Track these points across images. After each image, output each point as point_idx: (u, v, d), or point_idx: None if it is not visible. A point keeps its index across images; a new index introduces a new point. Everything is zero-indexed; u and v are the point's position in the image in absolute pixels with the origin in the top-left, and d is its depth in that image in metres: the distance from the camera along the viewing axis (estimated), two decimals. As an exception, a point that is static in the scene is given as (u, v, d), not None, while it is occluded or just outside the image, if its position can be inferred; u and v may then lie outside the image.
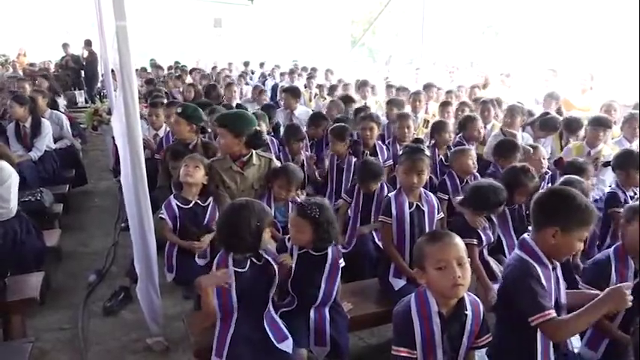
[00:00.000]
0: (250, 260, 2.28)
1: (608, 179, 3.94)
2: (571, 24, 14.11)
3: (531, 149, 3.94)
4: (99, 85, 12.19)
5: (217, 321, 2.25)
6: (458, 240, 1.92)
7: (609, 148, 4.46)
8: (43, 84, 8.02)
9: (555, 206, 2.00)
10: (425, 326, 1.89)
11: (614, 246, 2.34)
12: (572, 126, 4.92)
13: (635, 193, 3.42)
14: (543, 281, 1.95)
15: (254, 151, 3.47)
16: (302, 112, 6.54)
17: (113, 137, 3.12)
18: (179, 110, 4.00)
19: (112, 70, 4.58)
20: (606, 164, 3.63)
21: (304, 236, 2.39)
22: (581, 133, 4.87)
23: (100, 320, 3.30)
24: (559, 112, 6.07)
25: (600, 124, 4.39)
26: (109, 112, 6.20)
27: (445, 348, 1.90)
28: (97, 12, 4.86)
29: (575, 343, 2.33)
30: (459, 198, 3.11)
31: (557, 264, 2.08)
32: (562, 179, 3.16)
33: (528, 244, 2.04)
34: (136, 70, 11.42)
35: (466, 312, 1.93)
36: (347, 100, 6.36)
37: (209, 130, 4.62)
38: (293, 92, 6.62)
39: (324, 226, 2.38)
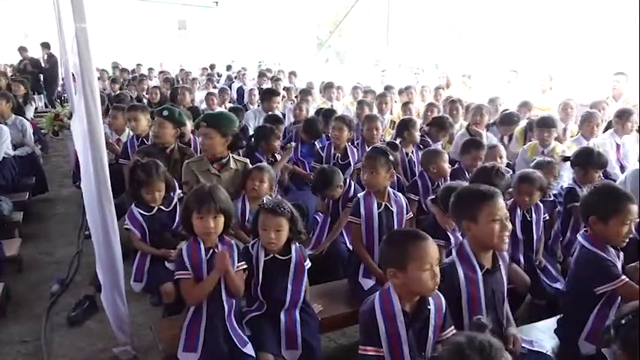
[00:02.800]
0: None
1: (566, 175, 4.07)
2: (531, 26, 14.53)
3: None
4: (59, 89, 11.86)
5: (188, 315, 2.27)
6: (432, 240, 1.96)
7: (564, 146, 4.63)
8: (19, 90, 7.74)
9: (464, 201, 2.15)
10: (389, 324, 1.92)
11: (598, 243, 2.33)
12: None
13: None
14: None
15: (231, 155, 3.46)
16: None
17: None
18: (165, 113, 3.90)
19: (73, 74, 4.46)
20: (565, 159, 3.74)
21: (283, 234, 2.38)
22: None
23: (65, 331, 3.20)
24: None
25: (545, 124, 4.55)
26: (71, 117, 6.04)
27: (411, 344, 1.92)
28: (56, 14, 4.74)
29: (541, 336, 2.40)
30: (431, 197, 3.16)
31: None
32: (518, 173, 3.24)
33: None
34: (99, 71, 11.26)
35: (429, 307, 1.96)
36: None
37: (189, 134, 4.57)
38: (273, 93, 6.64)
39: (297, 222, 2.42)
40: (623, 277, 2.22)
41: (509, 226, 2.10)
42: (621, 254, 2.35)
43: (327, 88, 7.90)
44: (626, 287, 2.20)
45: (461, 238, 2.96)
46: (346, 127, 4.47)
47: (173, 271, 2.76)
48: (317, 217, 3.79)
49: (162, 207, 3.13)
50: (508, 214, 2.14)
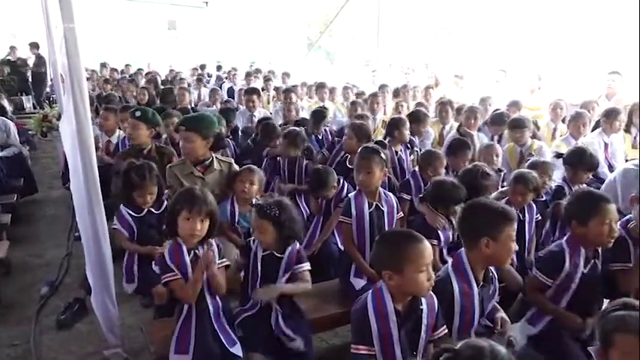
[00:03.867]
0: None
1: (556, 174, 4.10)
2: (520, 26, 14.62)
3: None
4: (47, 89, 11.75)
5: (180, 317, 2.27)
6: (427, 241, 1.97)
7: (544, 143, 4.67)
8: None
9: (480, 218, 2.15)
10: (382, 323, 1.92)
11: (565, 237, 2.47)
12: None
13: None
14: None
15: (214, 156, 3.44)
16: (261, 114, 6.53)
17: (63, 143, 3.02)
18: (138, 114, 3.87)
19: (62, 74, 4.42)
20: (559, 156, 3.77)
21: (267, 237, 2.39)
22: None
23: (54, 334, 3.17)
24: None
25: (515, 126, 4.62)
26: (59, 118, 5.99)
27: (403, 344, 1.93)
28: (44, 14, 4.69)
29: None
30: (420, 196, 3.17)
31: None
32: (514, 173, 3.26)
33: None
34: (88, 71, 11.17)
35: (421, 307, 1.97)
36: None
37: (164, 134, 4.53)
38: (254, 93, 6.63)
39: (287, 224, 2.39)
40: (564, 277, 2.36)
41: (516, 246, 2.17)
42: (598, 262, 2.42)
43: (320, 88, 7.91)
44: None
45: (451, 237, 3.00)
46: (356, 136, 4.19)
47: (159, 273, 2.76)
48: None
49: (152, 209, 3.12)
50: None
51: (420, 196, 3.19)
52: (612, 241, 2.36)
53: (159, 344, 2.38)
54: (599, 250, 2.43)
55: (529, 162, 3.66)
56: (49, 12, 4.59)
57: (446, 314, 2.07)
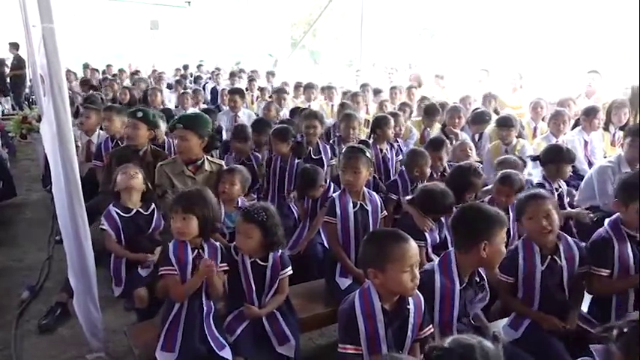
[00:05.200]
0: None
1: (535, 172, 4.17)
2: (502, 27, 14.80)
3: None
4: (27, 90, 11.55)
5: (169, 314, 2.27)
6: (414, 241, 1.97)
7: (534, 143, 4.74)
8: None
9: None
10: (369, 323, 1.93)
11: (521, 238, 2.54)
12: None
13: (560, 187, 3.64)
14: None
15: (206, 157, 3.43)
16: (245, 114, 6.51)
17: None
18: (140, 115, 3.80)
19: (41, 75, 4.35)
20: (535, 158, 3.83)
21: (252, 242, 2.36)
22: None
23: (36, 339, 3.12)
24: (496, 111, 6.39)
25: (503, 124, 4.68)
26: (39, 119, 5.89)
27: (390, 343, 1.94)
28: (22, 13, 4.60)
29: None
30: (408, 197, 3.17)
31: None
32: (500, 173, 3.28)
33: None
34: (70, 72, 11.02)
35: (408, 306, 1.98)
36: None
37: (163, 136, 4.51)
38: (238, 93, 6.59)
39: (273, 230, 2.38)
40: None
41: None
42: (558, 259, 2.44)
43: (307, 88, 7.91)
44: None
45: (438, 238, 3.02)
46: (318, 122, 4.50)
47: (146, 276, 2.73)
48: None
49: (140, 210, 3.09)
50: None
51: (408, 198, 3.19)
52: (549, 236, 2.40)
53: (143, 347, 2.35)
54: (560, 247, 2.44)
55: (499, 160, 3.75)
56: (27, 11, 4.51)
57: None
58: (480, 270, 2.29)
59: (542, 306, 2.42)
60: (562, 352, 2.23)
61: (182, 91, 8.06)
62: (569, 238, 2.51)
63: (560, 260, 2.43)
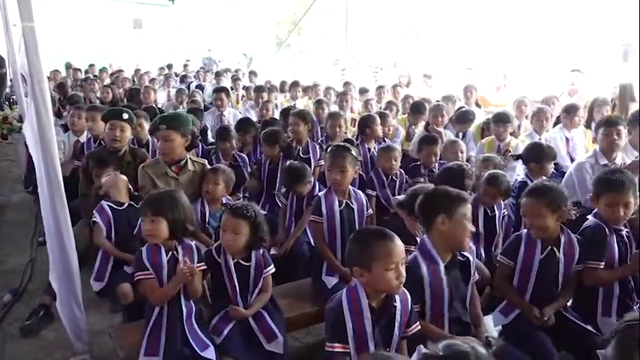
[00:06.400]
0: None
1: (518, 169, 4.22)
2: (486, 26, 14.92)
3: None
4: (7, 90, 11.35)
5: (150, 318, 2.24)
6: (399, 240, 1.98)
7: (519, 140, 4.78)
8: None
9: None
10: (357, 321, 1.94)
11: (527, 229, 2.57)
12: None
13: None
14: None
15: (189, 156, 3.40)
16: (231, 114, 6.50)
17: (26, 145, 2.93)
18: (126, 116, 3.75)
19: (23, 75, 4.29)
20: (517, 158, 3.87)
21: (241, 238, 2.35)
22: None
23: (18, 342, 3.07)
24: (477, 104, 6.46)
25: (500, 120, 4.73)
26: (21, 120, 5.80)
27: (377, 340, 1.95)
28: (2, 12, 4.53)
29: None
30: (398, 200, 3.16)
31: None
32: (487, 174, 3.30)
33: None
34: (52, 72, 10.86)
35: (395, 304, 1.99)
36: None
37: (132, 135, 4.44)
38: (223, 92, 6.59)
39: (261, 226, 2.39)
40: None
41: (472, 227, 2.26)
42: (557, 251, 2.48)
43: (293, 87, 7.90)
44: None
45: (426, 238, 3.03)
46: (302, 121, 4.48)
47: (129, 273, 2.71)
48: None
49: (132, 203, 3.07)
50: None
51: (398, 200, 3.19)
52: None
53: (128, 349, 2.33)
54: (562, 240, 2.48)
55: (481, 158, 3.81)
56: (7, 10, 4.44)
57: (418, 298, 2.15)
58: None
59: (534, 297, 2.48)
60: (547, 343, 2.28)
61: (170, 88, 7.99)
62: (572, 234, 2.54)
63: (559, 252, 2.48)
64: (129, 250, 2.91)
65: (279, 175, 4.10)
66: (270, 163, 4.18)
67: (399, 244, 1.94)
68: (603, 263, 2.53)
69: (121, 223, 3.00)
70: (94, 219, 2.95)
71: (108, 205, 3.00)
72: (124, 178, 3.14)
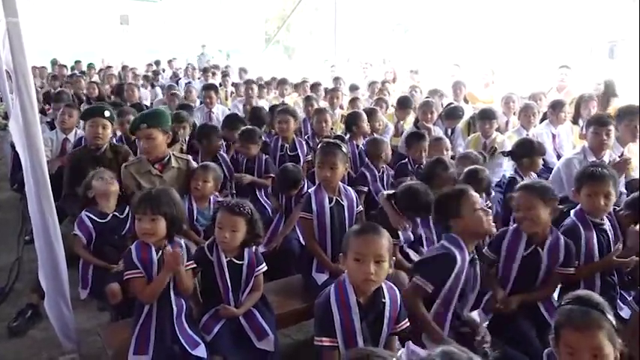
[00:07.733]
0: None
1: (505, 165, 4.25)
2: (473, 22, 15.00)
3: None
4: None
5: (140, 317, 2.23)
6: (384, 238, 1.98)
7: (505, 136, 4.82)
8: None
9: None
10: (344, 315, 1.96)
11: (514, 225, 2.61)
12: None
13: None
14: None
15: (172, 153, 3.37)
16: (220, 110, 6.47)
17: (12, 144, 2.89)
18: (107, 114, 3.73)
19: (7, 71, 4.22)
20: (508, 154, 3.90)
21: (238, 235, 2.35)
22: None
23: (6, 342, 3.04)
24: (466, 99, 6.50)
25: (486, 116, 4.75)
26: (6, 117, 5.73)
27: (365, 335, 1.96)
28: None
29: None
30: (385, 194, 3.16)
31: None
32: (466, 170, 3.32)
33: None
34: (38, 68, 10.71)
35: (383, 300, 2.01)
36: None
37: (119, 132, 4.41)
38: (212, 89, 6.58)
39: (257, 224, 2.40)
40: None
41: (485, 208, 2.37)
42: (541, 250, 2.52)
43: (281, 84, 7.88)
44: None
45: (412, 237, 3.05)
46: (291, 117, 4.48)
47: (120, 272, 2.69)
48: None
49: (116, 213, 3.06)
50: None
51: (386, 194, 3.18)
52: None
53: (116, 348, 2.31)
54: (548, 241, 2.50)
55: (460, 155, 3.86)
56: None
57: (441, 281, 2.25)
58: None
59: (516, 288, 2.52)
60: (528, 329, 2.38)
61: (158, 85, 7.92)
62: (561, 237, 2.55)
63: (542, 252, 2.50)
64: (111, 258, 2.89)
65: (255, 169, 4.05)
66: (248, 160, 4.11)
67: (371, 239, 1.95)
68: (573, 268, 2.53)
69: (104, 234, 2.99)
70: (75, 232, 2.94)
71: (88, 217, 2.98)
72: (116, 188, 3.08)
